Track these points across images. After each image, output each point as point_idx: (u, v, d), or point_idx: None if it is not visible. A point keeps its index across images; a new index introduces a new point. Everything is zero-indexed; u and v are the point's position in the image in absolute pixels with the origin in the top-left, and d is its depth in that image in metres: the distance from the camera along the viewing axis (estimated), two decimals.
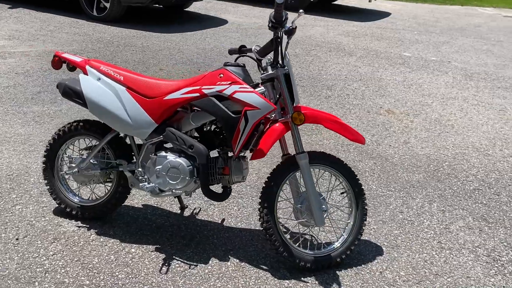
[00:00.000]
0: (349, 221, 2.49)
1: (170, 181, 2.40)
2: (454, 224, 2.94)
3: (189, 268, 2.37)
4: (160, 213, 2.86)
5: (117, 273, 2.30)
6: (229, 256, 2.48)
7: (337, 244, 2.46)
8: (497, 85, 5.93)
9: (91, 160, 2.59)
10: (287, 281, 2.33)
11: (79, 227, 2.63)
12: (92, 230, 2.61)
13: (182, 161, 2.37)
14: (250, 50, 2.47)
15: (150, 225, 2.72)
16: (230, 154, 2.47)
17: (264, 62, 2.40)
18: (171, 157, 2.40)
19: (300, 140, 2.36)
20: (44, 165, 2.71)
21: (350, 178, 2.47)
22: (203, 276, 2.32)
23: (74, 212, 2.69)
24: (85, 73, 2.52)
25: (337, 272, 2.41)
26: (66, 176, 2.70)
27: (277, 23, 2.21)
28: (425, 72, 6.24)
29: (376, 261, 2.54)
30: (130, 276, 2.28)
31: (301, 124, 2.33)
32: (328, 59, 6.52)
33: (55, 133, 2.68)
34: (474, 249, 2.70)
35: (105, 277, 2.27)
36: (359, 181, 2.48)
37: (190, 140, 2.38)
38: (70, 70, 2.59)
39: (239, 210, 2.91)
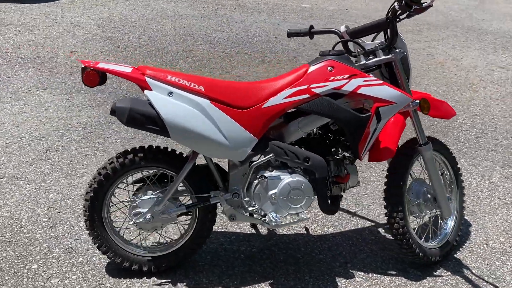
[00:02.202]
0: (452, 200, 2.37)
1: (292, 206, 1.94)
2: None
3: None
4: (235, 239, 2.35)
5: None
6: (350, 270, 2.17)
7: (449, 227, 2.33)
8: None
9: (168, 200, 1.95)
10: (425, 281, 2.15)
11: (161, 284, 2.01)
12: (182, 285, 2.01)
13: (302, 179, 1.92)
14: (337, 32, 2.06)
15: (239, 258, 2.21)
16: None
17: (368, 46, 2.02)
18: (285, 177, 1.93)
19: (423, 129, 2.10)
20: (87, 218, 1.97)
21: (449, 157, 2.33)
22: None
23: (145, 268, 2.03)
24: (145, 87, 1.82)
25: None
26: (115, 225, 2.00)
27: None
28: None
29: (472, 232, 2.52)
30: None
31: (427, 113, 2.06)
32: (244, 19, 6.12)
33: (99, 172, 1.93)
34: None
35: None
36: (455, 159, 2.36)
37: (303, 152, 1.93)
38: (90, 84, 1.83)
39: (312, 211, 2.58)
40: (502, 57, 6.13)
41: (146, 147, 1.97)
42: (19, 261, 2.09)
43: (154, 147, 1.97)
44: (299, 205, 1.94)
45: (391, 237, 2.44)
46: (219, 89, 1.85)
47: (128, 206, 1.99)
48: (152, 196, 1.96)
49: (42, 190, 2.64)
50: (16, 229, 2.30)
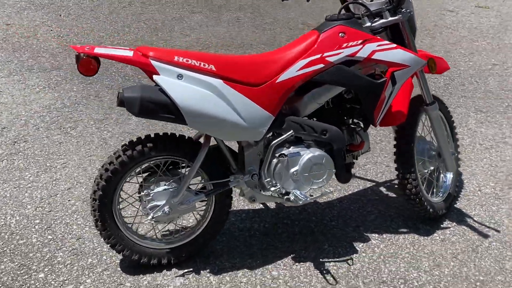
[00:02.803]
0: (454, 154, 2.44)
1: (314, 181, 1.89)
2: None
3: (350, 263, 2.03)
4: (245, 217, 2.29)
5: None
6: (363, 233, 2.19)
7: (449, 180, 2.40)
8: None
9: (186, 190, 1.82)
10: (435, 235, 2.23)
11: (184, 274, 1.92)
12: (206, 272, 1.94)
13: (322, 153, 1.86)
14: None
15: (255, 236, 2.16)
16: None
17: (374, 6, 1.94)
18: (305, 152, 1.86)
19: (429, 89, 2.10)
20: (98, 218, 1.81)
21: (445, 112, 2.36)
22: (372, 263, 2.02)
23: (164, 261, 1.93)
24: (152, 71, 1.64)
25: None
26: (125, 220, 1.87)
27: None
28: None
29: (465, 181, 2.63)
30: None
31: (434, 72, 2.05)
32: None
33: (106, 168, 1.76)
34: None
35: None
36: (450, 113, 2.41)
37: (320, 125, 1.87)
38: (87, 73, 1.63)
39: None
40: (449, 0, 6.29)
41: (153, 136, 1.81)
42: (22, 271, 1.91)
43: (162, 134, 1.81)
44: (321, 179, 1.89)
45: (394, 195, 2.50)
46: (230, 66, 1.72)
47: (142, 200, 1.85)
48: (166, 187, 1.83)
49: (23, 188, 2.40)
50: (7, 236, 2.09)
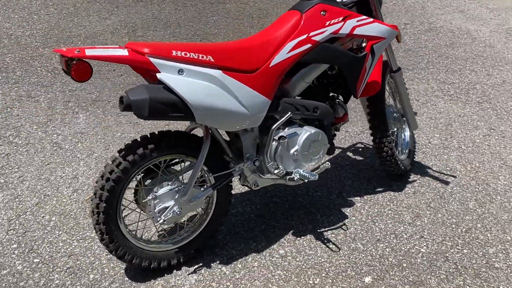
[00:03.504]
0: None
1: (313, 158, 1.94)
2: None
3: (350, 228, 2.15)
4: (235, 202, 2.28)
5: (308, 278, 1.88)
6: (347, 198, 2.34)
7: (407, 137, 2.61)
8: None
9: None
10: (407, 189, 2.44)
11: (196, 270, 1.88)
12: (217, 264, 1.92)
13: (317, 130, 1.92)
14: None
15: (251, 219, 2.17)
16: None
17: None
18: (301, 132, 1.89)
19: (395, 57, 2.23)
20: (104, 231, 1.68)
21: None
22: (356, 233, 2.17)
23: (174, 262, 1.87)
24: (153, 70, 1.53)
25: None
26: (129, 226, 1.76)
27: None
28: None
29: (415, 136, 2.88)
30: (323, 276, 1.92)
31: (399, 41, 2.18)
32: None
33: (107, 178, 1.63)
34: None
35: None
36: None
37: (311, 103, 1.91)
38: (81, 78, 1.48)
39: None
40: None
41: (149, 136, 1.71)
42: None
43: (158, 133, 1.72)
44: (319, 155, 1.96)
45: (361, 158, 2.67)
46: (226, 55, 1.67)
47: (148, 204, 1.75)
48: (171, 187, 1.76)
49: None
50: None
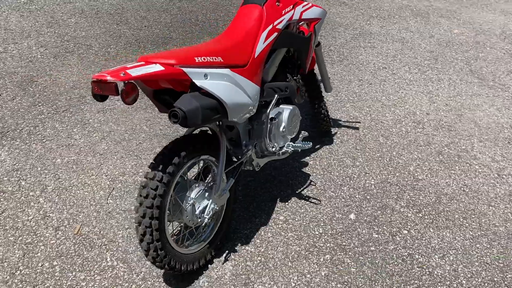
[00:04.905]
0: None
1: (294, 130, 2.22)
2: None
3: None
4: None
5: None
6: (299, 160, 2.71)
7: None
8: None
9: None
10: (335, 139, 2.95)
11: (225, 261, 2.01)
12: (240, 247, 2.07)
13: (292, 106, 2.20)
14: None
15: (240, 202, 2.36)
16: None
17: None
18: (282, 110, 2.15)
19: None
20: (157, 248, 1.69)
21: None
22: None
23: (209, 257, 1.97)
24: (186, 79, 1.58)
25: None
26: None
27: None
28: None
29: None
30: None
31: None
32: None
33: (153, 195, 1.62)
34: None
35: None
36: None
37: (283, 84, 2.17)
38: (101, 99, 1.48)
39: None
40: None
41: (177, 142, 1.73)
42: None
43: (184, 138, 1.77)
44: (297, 127, 2.26)
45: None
46: (229, 53, 1.80)
47: (184, 210, 1.80)
48: (200, 188, 1.85)
49: None
50: None
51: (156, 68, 1.50)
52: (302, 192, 2.47)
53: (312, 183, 2.55)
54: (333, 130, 3.05)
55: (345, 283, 1.97)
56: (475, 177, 2.68)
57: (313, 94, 2.68)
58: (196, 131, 1.93)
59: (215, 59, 1.71)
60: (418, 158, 2.81)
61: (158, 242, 1.69)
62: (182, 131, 2.91)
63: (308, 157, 2.76)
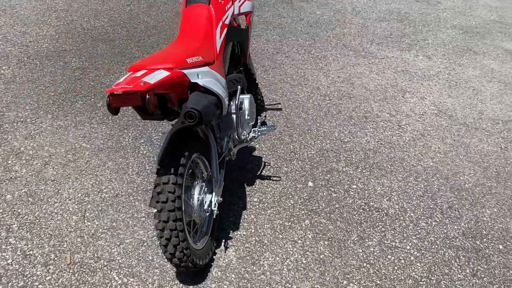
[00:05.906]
0: None
1: (253, 116, 2.39)
2: None
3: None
4: None
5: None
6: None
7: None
8: None
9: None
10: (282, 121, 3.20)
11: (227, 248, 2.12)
12: (237, 232, 2.19)
13: (249, 94, 2.36)
14: None
15: (225, 189, 2.46)
16: None
17: None
18: (244, 99, 2.28)
19: None
20: (184, 248, 1.74)
21: None
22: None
23: (213, 249, 2.07)
24: (187, 80, 1.64)
25: None
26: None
27: None
28: None
29: None
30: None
31: None
32: None
33: (171, 198, 1.66)
34: None
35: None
36: None
37: (236, 75, 2.33)
38: (115, 112, 1.50)
39: None
40: None
41: (176, 142, 1.77)
42: None
43: (180, 138, 1.80)
44: (254, 113, 2.44)
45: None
46: (205, 52, 1.89)
47: (195, 207, 1.87)
48: (200, 183, 1.93)
49: None
50: None
51: (164, 73, 1.55)
52: (262, 173, 2.69)
53: (266, 163, 2.78)
54: (263, 114, 3.31)
55: (330, 239, 2.28)
56: (384, 132, 3.23)
57: (250, 81, 2.89)
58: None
59: (198, 58, 1.80)
60: (337, 125, 3.26)
61: (184, 243, 1.75)
62: (127, 138, 2.83)
63: (252, 142, 2.98)
